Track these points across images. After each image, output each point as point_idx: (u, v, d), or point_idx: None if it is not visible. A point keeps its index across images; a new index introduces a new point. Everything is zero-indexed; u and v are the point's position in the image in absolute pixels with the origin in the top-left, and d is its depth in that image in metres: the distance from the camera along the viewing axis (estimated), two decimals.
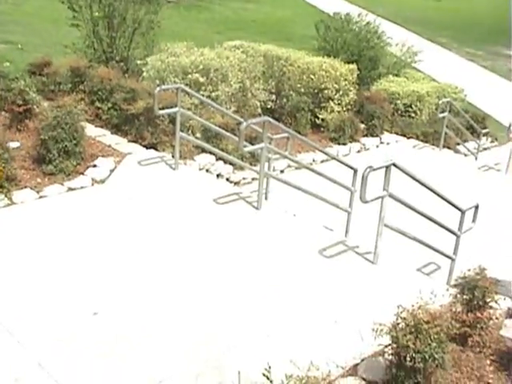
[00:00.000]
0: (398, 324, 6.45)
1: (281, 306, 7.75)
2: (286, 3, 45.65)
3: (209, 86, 13.82)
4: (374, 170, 8.45)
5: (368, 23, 20.00)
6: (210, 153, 12.27)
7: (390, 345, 6.49)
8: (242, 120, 11.29)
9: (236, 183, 12.22)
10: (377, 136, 16.68)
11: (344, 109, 16.24)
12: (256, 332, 7.17)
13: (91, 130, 12.41)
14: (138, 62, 15.89)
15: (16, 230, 8.98)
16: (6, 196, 9.77)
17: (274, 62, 16.21)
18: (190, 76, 13.75)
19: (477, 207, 10.11)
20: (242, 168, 12.37)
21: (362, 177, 8.29)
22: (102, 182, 10.80)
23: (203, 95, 13.01)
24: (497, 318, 7.44)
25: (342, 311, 7.82)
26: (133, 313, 7.27)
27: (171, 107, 11.50)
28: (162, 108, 11.44)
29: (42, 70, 14.55)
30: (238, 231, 9.62)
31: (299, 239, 9.70)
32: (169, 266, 8.34)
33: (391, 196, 8.92)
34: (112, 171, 11.18)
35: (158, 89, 11.32)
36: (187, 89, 11.96)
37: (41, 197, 10.02)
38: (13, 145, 11.09)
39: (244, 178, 12.42)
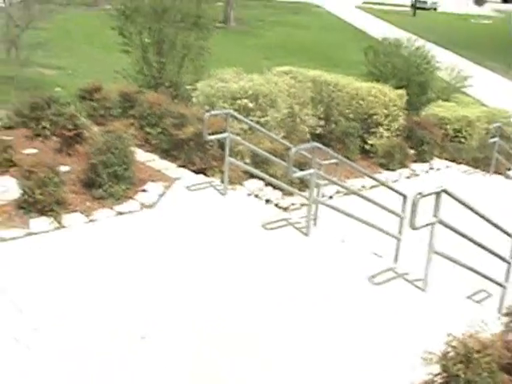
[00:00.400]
0: (448, 353, 6.36)
1: (330, 334, 7.69)
2: (334, 28, 45.82)
3: (257, 112, 13.84)
4: (424, 196, 8.37)
5: (417, 48, 19.94)
6: (259, 178, 12.26)
7: (439, 374, 6.39)
8: (290, 145, 11.29)
9: (285, 209, 12.17)
10: (426, 162, 16.54)
11: (393, 134, 16.14)
12: (307, 360, 7.12)
13: (141, 155, 12.50)
14: (188, 87, 16.00)
15: (65, 253, 9.05)
16: (55, 219, 9.86)
17: (323, 87, 16.18)
18: (238, 101, 13.78)
19: None
20: (290, 194, 12.33)
21: (412, 203, 8.21)
22: (151, 206, 10.85)
23: (252, 120, 13.02)
24: None
25: (392, 339, 7.73)
26: (180, 337, 7.26)
27: (220, 132, 11.54)
28: (211, 133, 11.48)
29: (92, 96, 14.71)
30: (286, 257, 9.59)
31: (348, 266, 9.63)
32: (217, 292, 8.33)
33: (441, 223, 8.83)
34: (161, 196, 11.22)
35: (207, 114, 11.37)
36: (236, 114, 12.00)
37: (90, 221, 10.09)
38: (63, 169, 11.20)
39: (293, 204, 12.36)
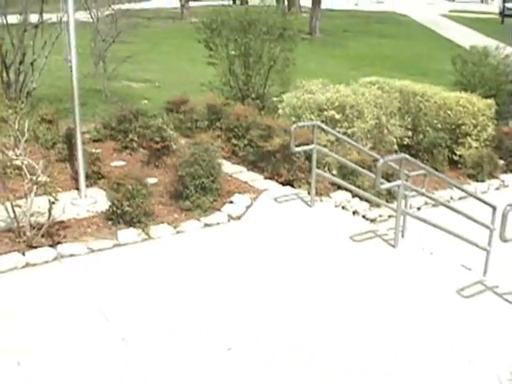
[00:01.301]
0: None
1: (418, 347, 7.61)
2: (421, 38, 45.36)
3: (344, 123, 13.80)
4: None
5: (507, 56, 19.61)
6: (346, 190, 12.22)
7: None
8: (378, 157, 11.23)
9: (372, 220, 12.11)
10: None
11: (482, 145, 15.89)
12: (398, 374, 7.07)
13: (228, 167, 12.60)
14: (274, 99, 16.06)
15: (153, 264, 9.17)
16: (143, 231, 10.02)
17: (410, 97, 16.05)
18: (325, 113, 13.77)
19: None
20: (378, 205, 12.26)
21: (502, 215, 8.08)
22: (238, 218, 10.92)
23: (339, 132, 12.99)
24: None
25: (480, 353, 7.60)
26: (264, 352, 7.26)
27: (307, 144, 11.55)
28: (298, 145, 11.50)
29: (179, 108, 14.92)
30: (374, 269, 9.52)
31: (436, 278, 9.51)
32: (304, 304, 8.32)
33: None
34: (248, 207, 11.29)
35: (294, 126, 11.38)
36: (323, 125, 11.99)
37: (177, 232, 10.20)
38: (151, 181, 11.38)
39: (380, 216, 12.29)
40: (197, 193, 10.92)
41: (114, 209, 10.14)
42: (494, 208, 10.42)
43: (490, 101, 16.45)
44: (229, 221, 10.80)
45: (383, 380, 6.88)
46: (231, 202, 11.31)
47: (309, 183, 11.87)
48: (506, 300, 9.06)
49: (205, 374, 6.75)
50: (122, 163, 12.68)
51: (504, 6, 64.26)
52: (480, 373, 7.20)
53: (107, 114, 14.52)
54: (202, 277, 8.87)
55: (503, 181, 15.62)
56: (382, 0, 77.12)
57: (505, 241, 8.28)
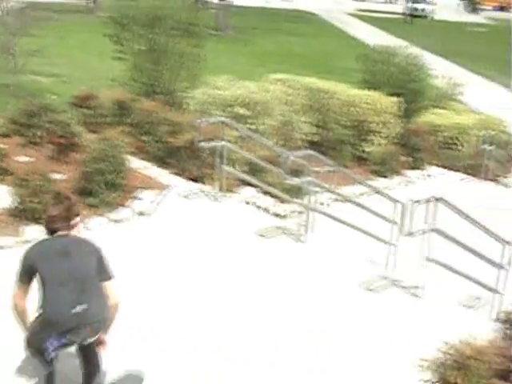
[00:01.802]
0: (444, 360, 6.37)
1: (324, 341, 7.69)
2: (329, 36, 45.90)
3: (252, 119, 13.84)
4: (419, 203, 8.40)
5: (411, 56, 19.94)
6: (254, 186, 12.28)
7: (437, 382, 6.39)
8: (285, 153, 11.30)
9: (280, 216, 12.17)
10: (421, 169, 16.57)
11: (387, 142, 16.17)
12: (302, 366, 7.13)
13: (135, 163, 12.49)
14: (183, 95, 15.99)
15: None
16: None
17: (317, 94, 16.20)
18: (233, 109, 13.80)
19: None
20: (286, 201, 12.33)
21: (407, 210, 8.24)
22: (145, 214, 10.85)
23: (247, 128, 13.03)
24: None
25: (386, 346, 7.74)
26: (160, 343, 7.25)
27: (215, 140, 11.55)
28: (207, 141, 11.49)
29: (87, 103, 14.71)
30: (282, 264, 9.59)
31: (342, 273, 9.64)
32: (209, 299, 8.31)
33: (435, 230, 8.85)
34: (155, 203, 11.22)
35: (199, 121, 11.37)
36: (230, 122, 12.01)
37: (84, 228, 10.06)
38: (57, 177, 11.19)
39: (288, 211, 12.37)
40: (103, 189, 10.79)
41: (19, 205, 9.95)
42: (400, 203, 10.58)
43: (396, 99, 16.73)
44: (135, 217, 10.72)
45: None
46: (138, 198, 11.22)
47: (216, 179, 11.88)
48: (410, 293, 9.25)
49: None
50: (29, 159, 12.45)
51: (410, 7, 65.54)
52: (386, 365, 7.32)
53: (14, 108, 14.22)
54: None
55: (409, 177, 15.94)
56: None
57: (409, 236, 8.46)
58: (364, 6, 78.95)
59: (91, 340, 5.52)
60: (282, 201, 12.35)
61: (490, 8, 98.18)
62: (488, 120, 19.32)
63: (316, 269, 9.64)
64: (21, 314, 5.54)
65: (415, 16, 68.32)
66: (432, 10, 75.31)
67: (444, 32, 58.86)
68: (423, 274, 9.17)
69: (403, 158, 16.26)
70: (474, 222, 9.25)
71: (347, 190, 13.49)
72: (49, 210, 5.81)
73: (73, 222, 5.77)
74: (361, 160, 15.80)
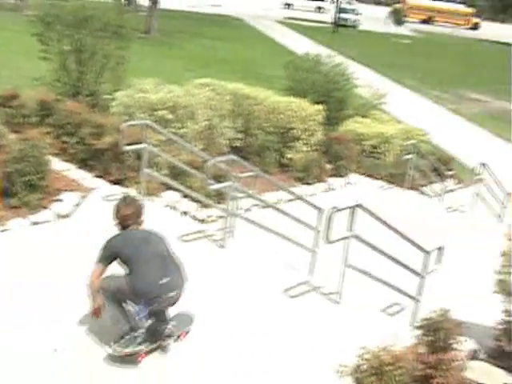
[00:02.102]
0: (362, 365, 6.43)
1: (243, 347, 7.70)
2: (256, 42, 46.09)
3: (176, 123, 13.81)
4: (339, 210, 8.47)
5: (337, 65, 20.14)
6: (177, 190, 12.23)
7: None
8: (208, 157, 11.30)
9: (202, 221, 12.14)
10: (343, 176, 16.71)
11: (311, 149, 16.26)
12: (218, 373, 7.12)
13: (57, 164, 12.34)
14: (107, 96, 15.86)
15: None
16: None
17: (242, 100, 16.22)
18: (157, 112, 13.73)
19: (441, 248, 10.13)
20: (208, 206, 12.30)
21: (327, 217, 8.29)
22: (66, 216, 10.72)
23: (171, 132, 12.98)
24: (460, 360, 7.41)
25: (306, 352, 7.78)
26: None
27: (138, 143, 11.48)
28: (130, 144, 11.41)
29: (9, 102, 14.48)
30: (202, 269, 9.54)
31: (264, 278, 9.67)
32: None
33: (356, 237, 8.94)
34: (76, 206, 11.10)
35: (124, 124, 11.29)
36: (154, 125, 11.95)
37: (3, 230, 9.90)
38: None
39: (210, 216, 12.32)
40: (24, 190, 10.62)
41: None
42: (321, 210, 10.64)
43: (320, 106, 16.85)
44: (56, 219, 10.58)
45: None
46: (59, 200, 11.07)
47: (139, 182, 11.81)
48: (330, 299, 9.33)
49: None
50: None
51: (338, 17, 66.24)
52: (307, 371, 7.36)
53: None
54: (26, 274, 8.64)
55: (330, 184, 16.04)
56: (219, 3, 77.77)
57: (329, 242, 8.52)
58: (293, 14, 79.47)
59: (171, 307, 7.29)
60: (205, 206, 12.33)
61: (416, 21, 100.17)
62: (410, 130, 19.61)
63: (237, 274, 9.64)
64: (95, 291, 6.98)
65: (343, 26, 69.09)
66: (359, 20, 76.30)
67: (370, 42, 59.79)
68: (344, 281, 9.25)
69: (327, 166, 16.39)
70: (393, 229, 9.35)
71: (270, 196, 13.52)
72: (121, 210, 7.42)
73: (141, 219, 7.52)
74: (285, 167, 15.85)
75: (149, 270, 6.97)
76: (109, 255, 7.12)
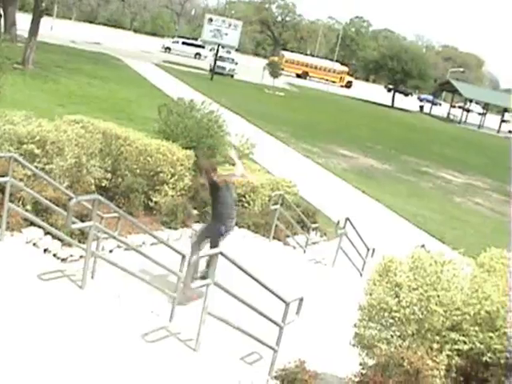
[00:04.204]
0: None
1: None
2: (132, 83, 46.08)
3: (44, 158, 13.55)
4: (201, 257, 8.46)
5: (210, 112, 20.25)
6: (39, 226, 11.97)
7: None
8: (73, 196, 11.13)
9: (63, 260, 11.91)
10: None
11: (178, 193, 16.23)
12: None
13: None
14: None
15: None
16: None
17: (113, 140, 16.08)
18: (25, 146, 13.46)
19: (301, 299, 10.25)
20: (70, 245, 12.08)
21: (189, 263, 8.29)
22: None
23: (37, 167, 12.75)
24: None
25: None
26: None
27: (2, 176, 11.21)
28: None
29: None
30: (59, 310, 9.35)
31: (122, 322, 9.55)
32: None
33: (216, 284, 8.94)
34: None
35: None
36: (20, 159, 11.70)
37: None
38: None
39: (71, 255, 12.11)
40: None
41: None
42: (183, 256, 10.60)
43: (190, 152, 16.87)
44: None
45: None
46: None
47: (0, 216, 11.50)
48: (189, 346, 9.29)
49: None
50: None
51: (215, 64, 66.97)
52: None
53: None
54: None
55: (195, 230, 15.98)
56: (98, 41, 77.64)
57: (190, 289, 8.49)
58: (172, 58, 79.92)
59: None
60: (67, 244, 12.10)
61: (293, 75, 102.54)
62: (278, 181, 19.85)
63: (95, 316, 9.48)
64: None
65: (220, 74, 69.87)
66: (234, 69, 77.32)
67: (245, 92, 60.68)
68: (203, 328, 9.23)
69: (194, 212, 16.39)
70: (254, 279, 9.40)
71: (134, 239, 13.42)
72: None
73: None
74: (151, 210, 15.75)
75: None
76: None
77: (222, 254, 8.83)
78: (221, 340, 9.71)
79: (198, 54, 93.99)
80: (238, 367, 9.39)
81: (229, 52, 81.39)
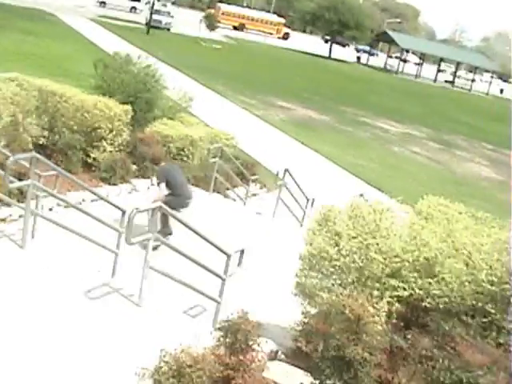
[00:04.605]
0: (161, 368, 6.46)
1: (42, 351, 7.56)
2: (67, 39, 45.30)
3: None
4: (141, 211, 8.46)
5: (147, 66, 20.05)
6: None
7: None
8: (9, 154, 10.98)
9: (2, 220, 11.78)
10: (148, 178, 16.63)
11: (116, 149, 16.10)
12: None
13: None
14: None
15: None
16: None
17: (49, 97, 15.86)
18: None
19: (242, 251, 10.33)
20: (9, 205, 11.95)
21: (128, 218, 8.27)
22: None
23: None
24: (259, 361, 7.55)
25: (105, 354, 7.73)
26: None
27: None
28: None
29: None
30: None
31: (64, 280, 9.52)
32: None
33: (157, 239, 8.95)
34: None
35: None
36: None
37: None
38: None
39: (10, 215, 11.97)
40: None
41: None
42: (123, 212, 10.56)
43: (127, 107, 16.73)
44: None
45: None
46: None
47: None
48: (131, 301, 9.31)
49: None
50: None
51: (151, 18, 66.09)
52: (105, 374, 7.32)
53: None
54: None
55: (135, 185, 15.93)
56: None
57: (130, 244, 8.49)
58: (107, 12, 78.61)
59: None
60: (6, 204, 11.97)
61: (229, 27, 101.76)
62: (217, 133, 19.82)
63: (37, 275, 9.45)
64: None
65: (156, 27, 69.01)
66: (171, 22, 76.40)
67: (182, 46, 60.14)
68: (146, 283, 9.24)
69: (133, 167, 16.28)
70: (195, 232, 9.43)
71: (74, 196, 13.30)
72: None
73: None
74: (89, 166, 15.61)
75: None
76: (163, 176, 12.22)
77: (161, 207, 8.83)
78: (164, 294, 9.74)
79: (133, 8, 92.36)
80: (181, 321, 9.44)
81: (165, 5, 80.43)
